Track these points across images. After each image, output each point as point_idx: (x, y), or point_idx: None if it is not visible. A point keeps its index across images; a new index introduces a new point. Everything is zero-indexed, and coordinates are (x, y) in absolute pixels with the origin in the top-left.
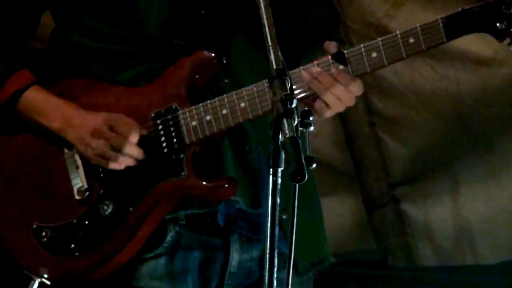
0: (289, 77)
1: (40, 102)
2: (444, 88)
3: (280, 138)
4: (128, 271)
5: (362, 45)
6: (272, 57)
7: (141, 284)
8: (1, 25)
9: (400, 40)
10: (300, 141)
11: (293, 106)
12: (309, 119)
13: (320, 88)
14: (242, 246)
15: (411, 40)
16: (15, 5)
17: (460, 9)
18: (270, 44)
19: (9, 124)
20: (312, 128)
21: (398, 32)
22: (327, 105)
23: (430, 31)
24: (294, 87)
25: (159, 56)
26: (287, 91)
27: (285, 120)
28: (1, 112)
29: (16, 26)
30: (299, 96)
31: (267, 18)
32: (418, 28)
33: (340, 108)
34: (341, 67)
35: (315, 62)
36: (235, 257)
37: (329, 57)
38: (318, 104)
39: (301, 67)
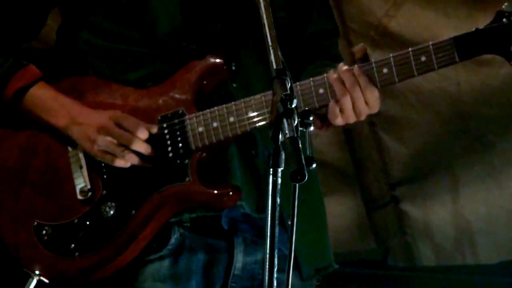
0: (289, 77)
1: (46, 99)
2: (444, 88)
3: (280, 138)
4: (132, 273)
5: (373, 61)
6: (272, 57)
7: (145, 285)
8: (9, 20)
9: (411, 57)
10: (300, 141)
11: (293, 106)
12: (309, 119)
13: (341, 89)
14: (247, 248)
15: (423, 58)
16: (25, 0)
17: (473, 28)
18: (270, 44)
19: (15, 119)
20: (312, 128)
21: (410, 49)
22: (341, 110)
23: (443, 50)
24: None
25: (168, 58)
26: (287, 91)
27: (285, 120)
28: (6, 107)
29: (24, 22)
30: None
31: (267, 18)
32: (431, 46)
33: (352, 118)
34: (365, 73)
35: (341, 64)
36: (239, 259)
37: (354, 65)
38: (332, 108)
39: (325, 74)
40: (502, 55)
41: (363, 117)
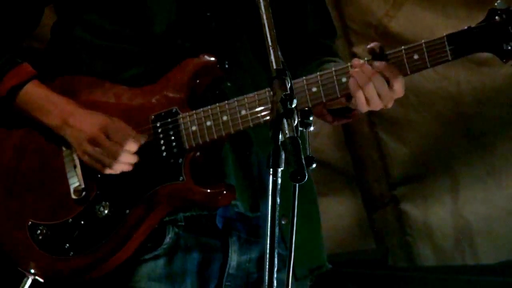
0: (289, 77)
1: (39, 97)
2: (444, 88)
3: (280, 138)
4: (126, 272)
5: (366, 59)
6: (272, 57)
7: (140, 285)
8: (5, 18)
9: (404, 55)
10: (300, 141)
11: (293, 106)
12: (309, 119)
13: (363, 79)
14: (241, 247)
15: (416, 57)
16: None
17: (466, 27)
18: (270, 44)
19: (9, 117)
20: (312, 128)
21: (403, 47)
22: (366, 99)
23: (435, 48)
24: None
25: (162, 56)
26: (287, 91)
27: (285, 120)
28: (0, 106)
29: (20, 19)
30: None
31: (267, 19)
32: (423, 44)
33: (378, 106)
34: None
35: (365, 58)
36: (233, 258)
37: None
38: (358, 97)
39: (349, 63)
40: (495, 53)
41: (390, 105)
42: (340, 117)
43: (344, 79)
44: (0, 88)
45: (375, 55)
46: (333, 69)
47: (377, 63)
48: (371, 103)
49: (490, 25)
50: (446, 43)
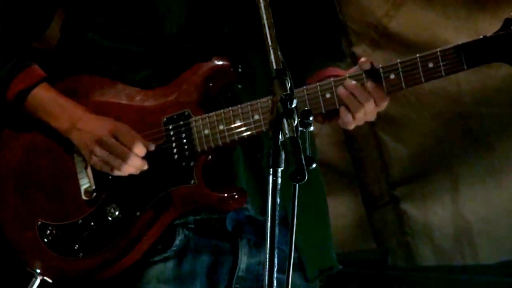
0: (290, 77)
1: (48, 102)
2: (444, 88)
3: (280, 138)
4: (136, 274)
5: (380, 66)
6: (272, 57)
7: (149, 286)
8: (15, 20)
9: (419, 63)
10: (300, 141)
11: (293, 106)
12: (309, 119)
13: (355, 104)
14: (251, 250)
15: (430, 65)
16: (31, 0)
17: (481, 36)
18: (270, 44)
19: (20, 119)
20: (312, 128)
21: (417, 55)
22: (353, 118)
23: (450, 57)
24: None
25: (172, 58)
26: (287, 91)
27: (285, 120)
28: (10, 109)
29: (30, 22)
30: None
31: (267, 18)
32: (438, 53)
33: (362, 123)
34: (375, 83)
35: (347, 75)
36: (243, 260)
37: (361, 71)
38: (345, 118)
39: (332, 79)
40: (511, 64)
41: (373, 119)
42: (331, 117)
43: (328, 95)
44: (8, 92)
45: (367, 71)
46: (318, 84)
47: (369, 84)
48: (358, 123)
49: (506, 35)
50: (461, 52)
